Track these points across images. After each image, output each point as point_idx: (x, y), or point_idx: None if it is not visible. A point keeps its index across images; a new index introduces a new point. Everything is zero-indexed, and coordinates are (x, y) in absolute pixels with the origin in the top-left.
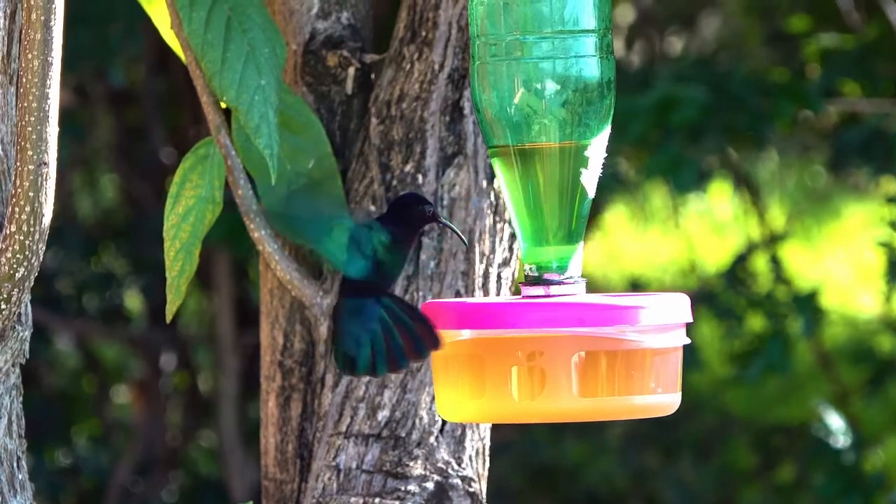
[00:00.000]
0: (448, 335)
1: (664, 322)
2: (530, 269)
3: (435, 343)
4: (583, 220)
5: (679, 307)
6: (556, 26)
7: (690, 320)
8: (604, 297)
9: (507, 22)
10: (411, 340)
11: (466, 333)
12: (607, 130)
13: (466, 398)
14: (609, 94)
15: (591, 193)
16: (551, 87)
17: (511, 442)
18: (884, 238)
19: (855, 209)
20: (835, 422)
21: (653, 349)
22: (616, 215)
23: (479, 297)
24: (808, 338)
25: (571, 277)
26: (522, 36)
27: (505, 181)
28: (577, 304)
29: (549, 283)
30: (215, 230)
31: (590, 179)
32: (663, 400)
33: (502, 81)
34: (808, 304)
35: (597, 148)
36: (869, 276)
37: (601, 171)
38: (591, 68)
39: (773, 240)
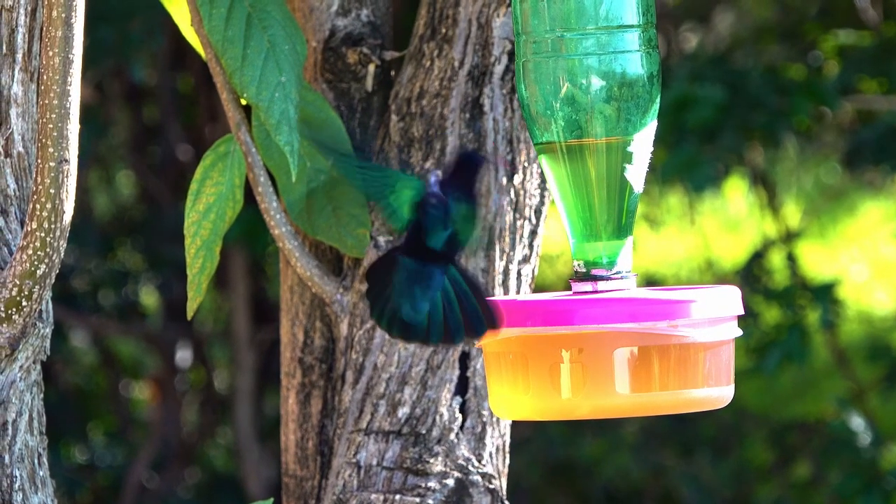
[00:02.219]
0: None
1: (713, 316)
2: (578, 265)
3: (493, 324)
4: (631, 214)
5: (727, 300)
6: (599, 22)
7: (741, 312)
8: (651, 291)
9: (550, 19)
10: (471, 317)
11: (514, 331)
12: (653, 124)
13: (520, 395)
14: (654, 88)
15: (639, 188)
16: (596, 83)
17: (527, 438)
18: None
19: (871, 206)
20: (856, 420)
21: (702, 343)
22: None
23: (531, 295)
24: (827, 329)
25: (619, 273)
26: (566, 32)
27: (553, 178)
28: (621, 299)
29: (597, 278)
30: (232, 228)
31: (637, 174)
32: (715, 393)
33: (547, 78)
34: (826, 295)
35: (643, 142)
36: (885, 272)
37: (648, 164)
38: (636, 63)
39: (789, 237)
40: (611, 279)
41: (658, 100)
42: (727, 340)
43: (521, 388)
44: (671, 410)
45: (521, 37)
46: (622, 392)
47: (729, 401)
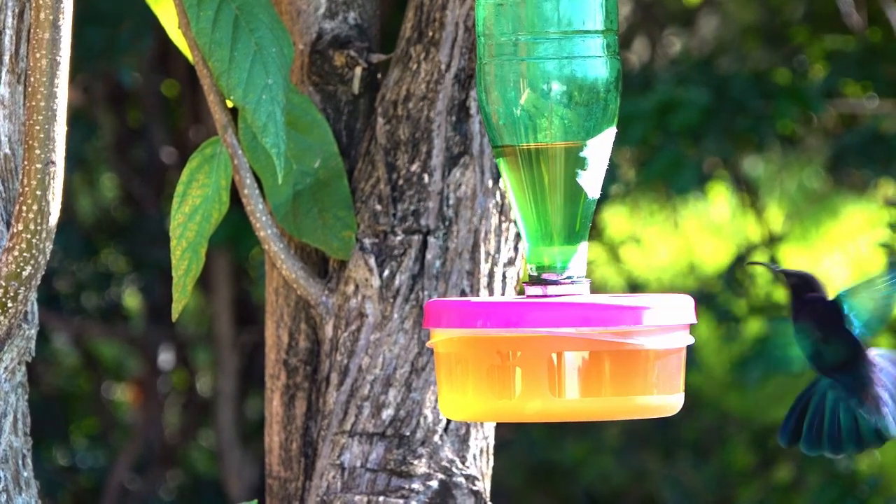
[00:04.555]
0: (438, 333)
1: (659, 323)
2: (531, 268)
3: None
4: (586, 220)
5: (677, 308)
6: (561, 27)
7: (692, 321)
8: (594, 297)
9: (512, 22)
10: None
11: (454, 332)
12: (612, 130)
13: (463, 395)
14: (614, 94)
15: (596, 194)
16: (556, 87)
17: (509, 441)
18: (883, 240)
19: (854, 210)
20: None
21: (649, 350)
22: (614, 216)
23: (482, 297)
24: None
25: (571, 277)
26: (528, 36)
27: (510, 181)
28: (559, 304)
29: (547, 283)
30: (216, 231)
31: (594, 180)
32: (657, 401)
33: (507, 82)
34: None
35: (602, 148)
36: (867, 276)
37: (605, 171)
38: (597, 68)
39: (771, 240)
40: (560, 284)
41: (617, 106)
42: (675, 349)
43: (462, 388)
44: (612, 416)
45: (481, 39)
46: (558, 397)
47: (678, 409)
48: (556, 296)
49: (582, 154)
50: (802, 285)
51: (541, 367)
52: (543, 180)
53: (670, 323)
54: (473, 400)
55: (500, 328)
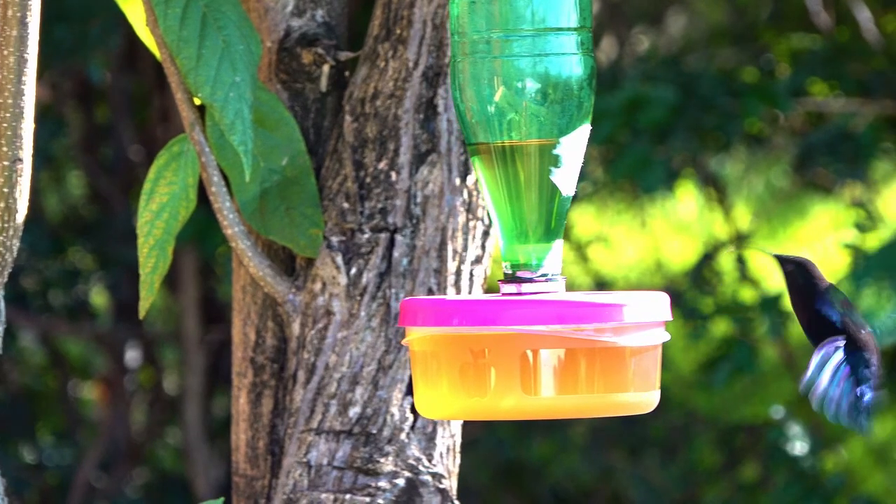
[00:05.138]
0: (414, 332)
1: (631, 321)
2: (506, 266)
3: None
4: (561, 217)
5: (649, 306)
6: (535, 24)
7: (668, 318)
8: (567, 295)
9: (485, 20)
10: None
11: (427, 330)
12: (586, 128)
13: (436, 393)
14: (588, 91)
15: (570, 191)
16: (530, 85)
17: (476, 439)
18: (850, 241)
19: (821, 209)
20: (792, 428)
21: (623, 347)
22: (582, 214)
23: (450, 295)
24: (775, 340)
25: (546, 275)
26: (501, 34)
27: (484, 179)
28: (531, 302)
29: (522, 280)
30: (183, 229)
31: (569, 177)
32: (633, 398)
33: (481, 79)
34: (773, 307)
35: (576, 145)
36: (834, 276)
37: (579, 168)
38: (571, 66)
39: (738, 239)
40: (535, 281)
41: (591, 104)
42: (651, 346)
43: (437, 386)
44: (588, 414)
45: (455, 37)
46: (533, 394)
47: (654, 406)
48: (531, 293)
49: (556, 151)
50: (798, 272)
51: (515, 365)
52: (518, 178)
53: (646, 320)
54: (449, 398)
55: (476, 326)
